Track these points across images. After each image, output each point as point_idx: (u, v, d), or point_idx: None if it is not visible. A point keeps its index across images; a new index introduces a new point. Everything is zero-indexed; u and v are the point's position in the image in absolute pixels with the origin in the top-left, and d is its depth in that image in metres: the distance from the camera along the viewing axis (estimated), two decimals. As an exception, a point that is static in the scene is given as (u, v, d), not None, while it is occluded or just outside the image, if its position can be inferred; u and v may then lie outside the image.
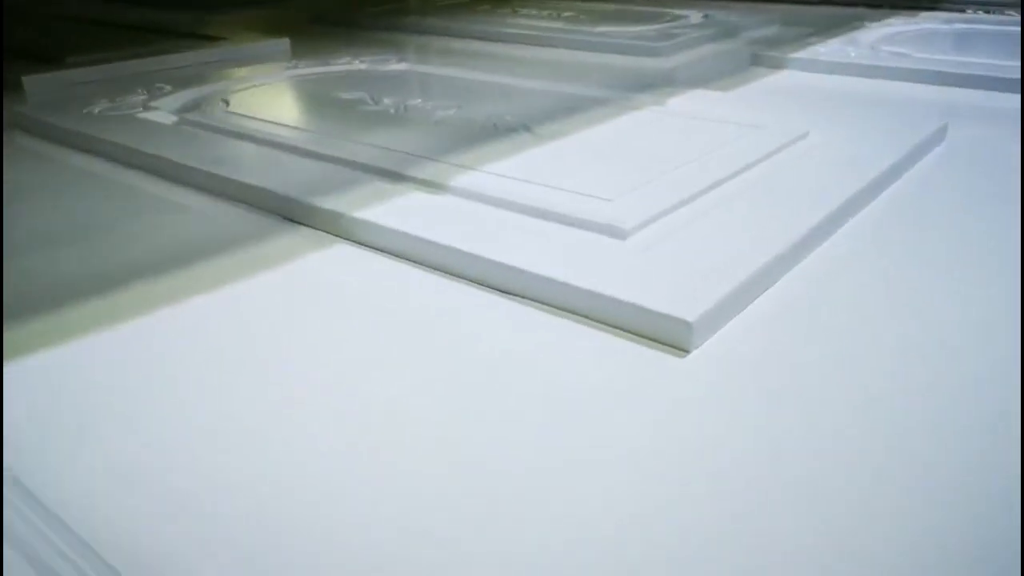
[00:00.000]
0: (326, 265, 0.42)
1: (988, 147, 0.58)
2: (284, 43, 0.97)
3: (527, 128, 0.58)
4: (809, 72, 0.83)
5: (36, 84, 0.78)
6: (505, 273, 0.38)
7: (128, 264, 0.42)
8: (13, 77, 0.78)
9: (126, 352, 0.34)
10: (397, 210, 0.44)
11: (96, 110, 0.64)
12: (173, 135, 0.58)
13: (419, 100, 0.66)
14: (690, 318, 0.31)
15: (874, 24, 1.05)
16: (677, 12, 1.15)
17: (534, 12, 1.18)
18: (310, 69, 0.80)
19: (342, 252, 0.43)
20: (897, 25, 1.05)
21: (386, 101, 0.66)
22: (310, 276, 0.41)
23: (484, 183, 0.47)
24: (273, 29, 1.13)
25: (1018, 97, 0.70)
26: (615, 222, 0.41)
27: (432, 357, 0.33)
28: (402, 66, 0.81)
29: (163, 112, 0.64)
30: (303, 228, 0.46)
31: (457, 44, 1.02)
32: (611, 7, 1.23)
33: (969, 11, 1.13)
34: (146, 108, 0.64)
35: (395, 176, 0.49)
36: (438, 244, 0.40)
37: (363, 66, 0.81)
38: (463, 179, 0.47)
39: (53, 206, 0.50)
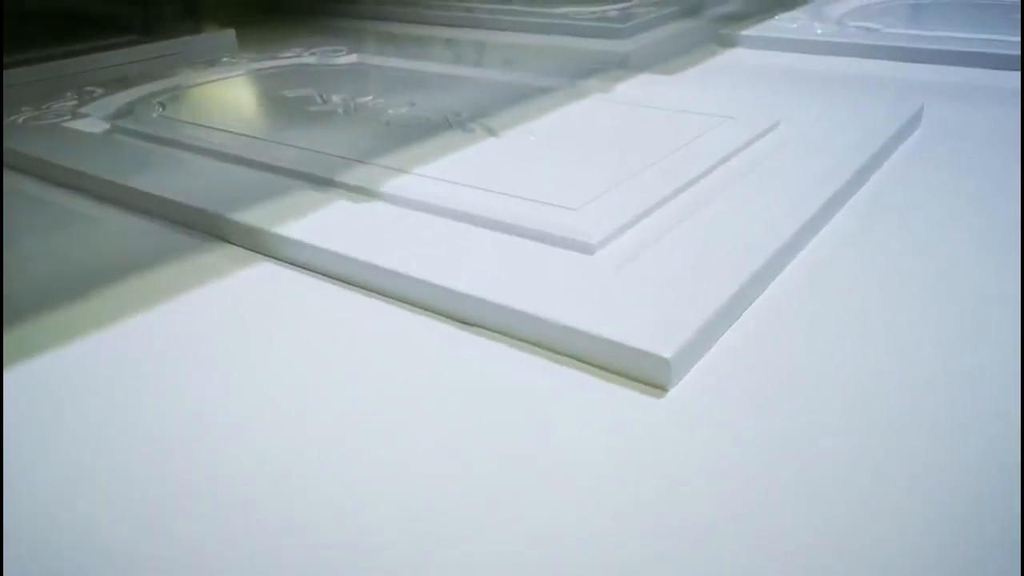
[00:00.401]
0: (239, 289, 0.38)
1: (967, 129, 0.56)
2: (229, 35, 0.92)
3: (483, 125, 0.55)
4: (775, 51, 0.80)
5: (-42, 89, 0.72)
6: (453, 299, 0.35)
7: (29, 290, 0.38)
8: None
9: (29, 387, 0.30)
10: (329, 223, 0.41)
11: (20, 119, 0.59)
12: (102, 146, 0.54)
13: (370, 97, 0.63)
14: (667, 354, 0.28)
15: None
16: None
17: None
18: (255, 64, 0.75)
19: (262, 273, 0.40)
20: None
21: (335, 99, 0.62)
22: (216, 303, 0.37)
23: (433, 191, 0.43)
24: (219, 18, 1.08)
25: (995, 73, 0.67)
26: (581, 236, 0.38)
27: (369, 397, 0.30)
28: (353, 58, 0.77)
29: (93, 119, 0.59)
30: (225, 245, 0.42)
31: (413, 30, 0.98)
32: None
33: None
34: (75, 115, 0.60)
35: (332, 184, 0.46)
36: (375, 266, 0.37)
37: (312, 59, 0.77)
38: (409, 185, 0.44)
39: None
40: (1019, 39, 0.70)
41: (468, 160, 0.48)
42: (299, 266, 0.40)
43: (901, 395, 0.28)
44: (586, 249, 0.37)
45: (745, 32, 0.83)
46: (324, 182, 0.46)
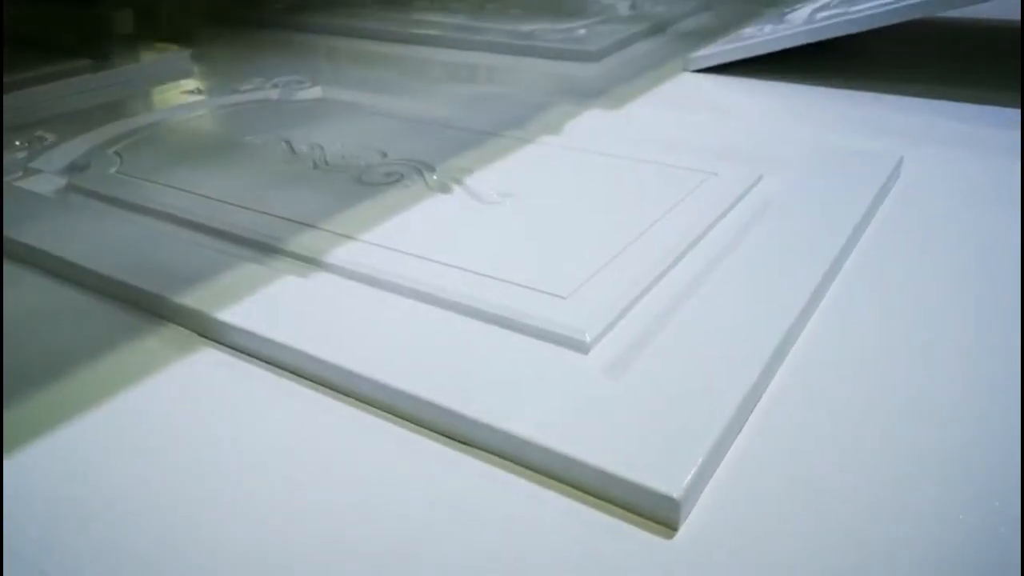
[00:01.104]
0: (179, 382, 0.36)
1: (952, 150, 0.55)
2: (184, 56, 0.88)
3: (458, 180, 0.53)
4: (741, 77, 0.79)
5: None
6: (424, 407, 0.33)
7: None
8: None
9: None
10: (283, 306, 0.39)
11: (-33, 176, 0.56)
12: (55, 212, 0.51)
13: (339, 144, 0.60)
14: (676, 493, 0.27)
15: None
16: (604, 1, 1.10)
17: (447, 5, 1.11)
18: (216, 99, 0.72)
19: (207, 362, 0.38)
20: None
21: (303, 148, 0.60)
22: (154, 398, 0.35)
23: (406, 268, 0.41)
24: (167, 31, 1.04)
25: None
26: (575, 332, 0.36)
27: (323, 514, 0.28)
28: (317, 92, 0.74)
29: (47, 175, 0.56)
30: (175, 328, 0.40)
31: (372, 48, 0.96)
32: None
33: None
34: (27, 172, 0.57)
35: (291, 256, 0.44)
36: (329, 363, 0.35)
37: (275, 93, 0.74)
38: (379, 260, 0.42)
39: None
40: None
41: (444, 227, 0.47)
42: (247, 353, 0.38)
43: (928, 484, 0.28)
44: (580, 347, 0.36)
45: (710, 51, 0.82)
46: (284, 254, 0.44)
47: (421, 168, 0.55)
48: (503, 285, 0.40)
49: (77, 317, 0.42)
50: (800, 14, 0.89)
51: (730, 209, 0.48)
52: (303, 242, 0.45)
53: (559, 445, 0.30)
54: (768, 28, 0.85)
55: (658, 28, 0.99)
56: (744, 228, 0.46)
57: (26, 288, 0.44)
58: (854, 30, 0.73)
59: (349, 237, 0.45)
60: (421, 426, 0.33)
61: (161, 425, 0.34)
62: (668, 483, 0.27)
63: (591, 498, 0.29)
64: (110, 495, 0.30)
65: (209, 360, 0.38)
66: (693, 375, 0.33)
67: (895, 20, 0.71)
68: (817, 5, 0.90)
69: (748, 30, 0.89)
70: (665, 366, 0.34)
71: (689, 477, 0.28)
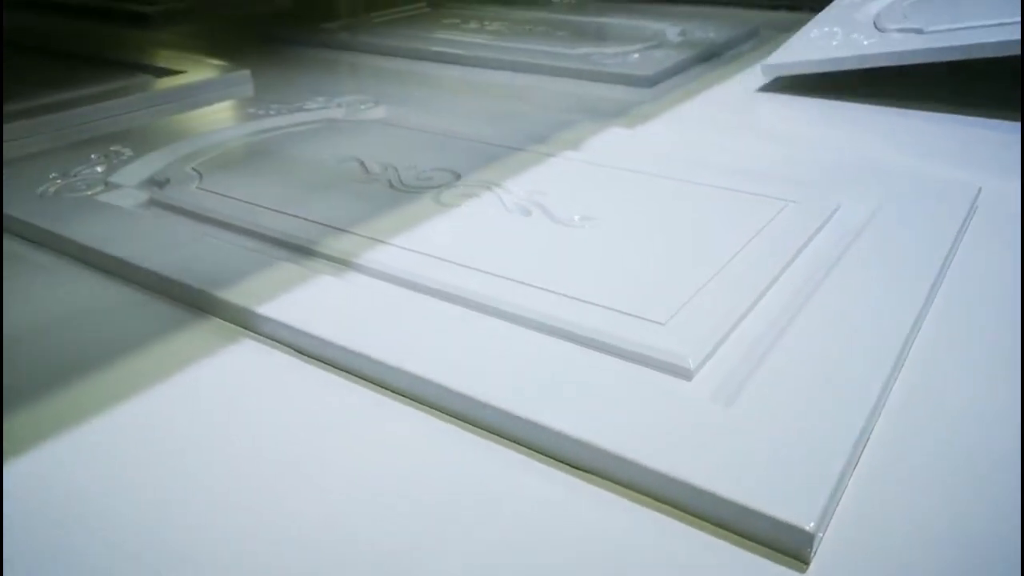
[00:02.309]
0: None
1: None
2: (245, 76, 0.90)
3: (539, 204, 0.53)
4: (804, 97, 0.79)
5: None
6: (522, 427, 0.33)
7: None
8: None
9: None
10: (373, 322, 0.39)
11: (51, 189, 0.57)
12: (142, 225, 0.51)
13: (411, 164, 0.61)
14: (808, 524, 0.27)
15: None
16: (653, 26, 1.11)
17: (496, 27, 1.13)
18: (283, 118, 0.73)
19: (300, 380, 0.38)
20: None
21: (376, 168, 0.60)
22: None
23: (505, 293, 0.42)
24: (221, 51, 1.05)
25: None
26: (676, 357, 0.36)
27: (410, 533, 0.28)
28: (381, 112, 0.75)
29: (128, 190, 0.57)
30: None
31: (423, 69, 0.97)
32: (580, 19, 1.18)
33: None
34: (108, 186, 0.57)
35: (388, 278, 0.44)
36: (421, 378, 0.35)
37: (340, 112, 0.75)
38: (470, 283, 0.43)
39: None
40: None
41: (529, 251, 0.47)
42: (355, 374, 0.38)
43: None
44: (684, 374, 0.36)
45: (789, 59, 0.82)
46: (364, 270, 0.45)
47: (497, 189, 0.56)
48: (597, 309, 0.40)
49: (164, 323, 0.42)
50: (866, 12, 0.88)
51: (813, 237, 0.48)
52: (385, 260, 0.45)
53: (682, 475, 0.30)
54: (838, 32, 0.85)
55: (712, 53, 0.99)
56: (831, 256, 0.46)
57: (114, 296, 0.45)
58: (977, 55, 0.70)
59: (434, 257, 0.46)
60: (516, 442, 0.33)
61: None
62: (799, 514, 0.27)
63: (716, 528, 0.29)
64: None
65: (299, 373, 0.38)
66: (807, 401, 0.33)
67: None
68: (883, 4, 0.90)
69: (815, 32, 0.88)
70: (776, 393, 0.34)
71: (820, 507, 0.28)
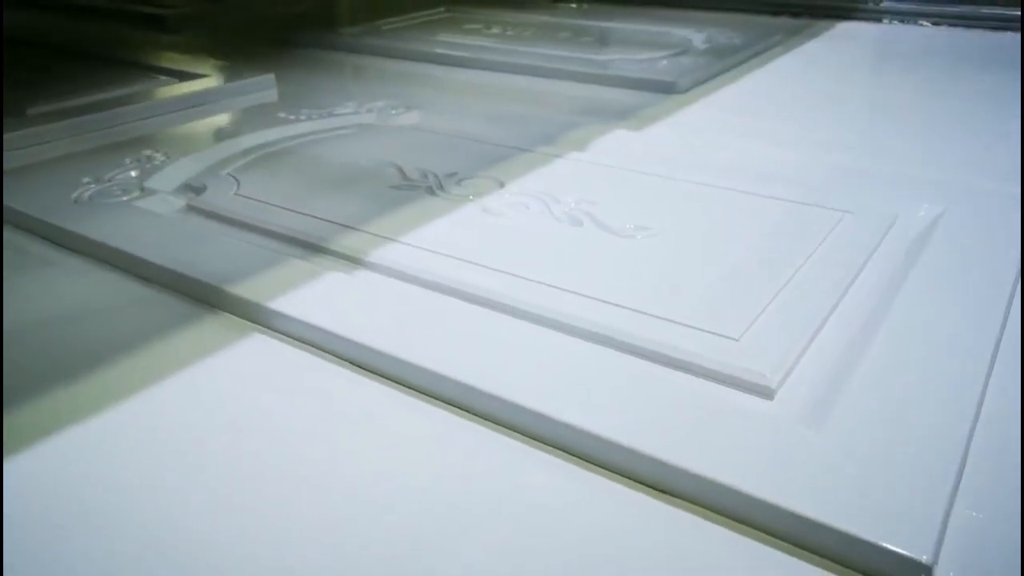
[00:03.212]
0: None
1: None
2: (269, 80, 0.88)
3: (589, 215, 0.52)
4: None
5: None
6: (597, 445, 0.32)
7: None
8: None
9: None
10: (449, 340, 0.38)
11: (86, 195, 0.55)
12: (182, 233, 0.50)
13: (451, 170, 0.60)
14: (925, 557, 0.26)
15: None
16: (677, 32, 1.10)
17: (519, 33, 1.12)
18: (314, 123, 0.72)
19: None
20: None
21: (414, 174, 0.59)
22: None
23: (566, 306, 0.40)
24: (240, 54, 1.04)
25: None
26: (755, 375, 0.35)
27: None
28: (414, 117, 0.74)
29: (163, 196, 0.56)
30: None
31: (454, 75, 0.95)
32: (602, 24, 1.17)
33: (885, 21, 1.22)
34: (143, 191, 0.56)
35: (447, 290, 0.43)
36: (502, 399, 0.34)
37: (371, 117, 0.74)
38: (539, 299, 0.41)
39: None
40: None
41: (586, 261, 0.46)
42: (419, 391, 0.37)
43: None
44: (765, 393, 0.35)
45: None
46: (437, 287, 0.43)
47: (544, 197, 0.54)
48: (666, 324, 0.39)
49: (221, 335, 0.41)
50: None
51: (876, 248, 0.47)
52: (442, 272, 0.44)
53: (780, 501, 0.28)
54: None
55: (740, 60, 0.98)
56: (899, 267, 0.44)
57: (156, 309, 0.44)
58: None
59: (492, 269, 0.44)
60: (586, 459, 0.32)
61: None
62: (914, 545, 0.26)
63: (815, 557, 0.28)
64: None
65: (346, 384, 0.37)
66: (901, 418, 0.32)
67: None
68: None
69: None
70: (867, 411, 0.32)
71: (934, 537, 0.26)
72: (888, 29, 1.20)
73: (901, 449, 0.30)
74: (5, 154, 0.68)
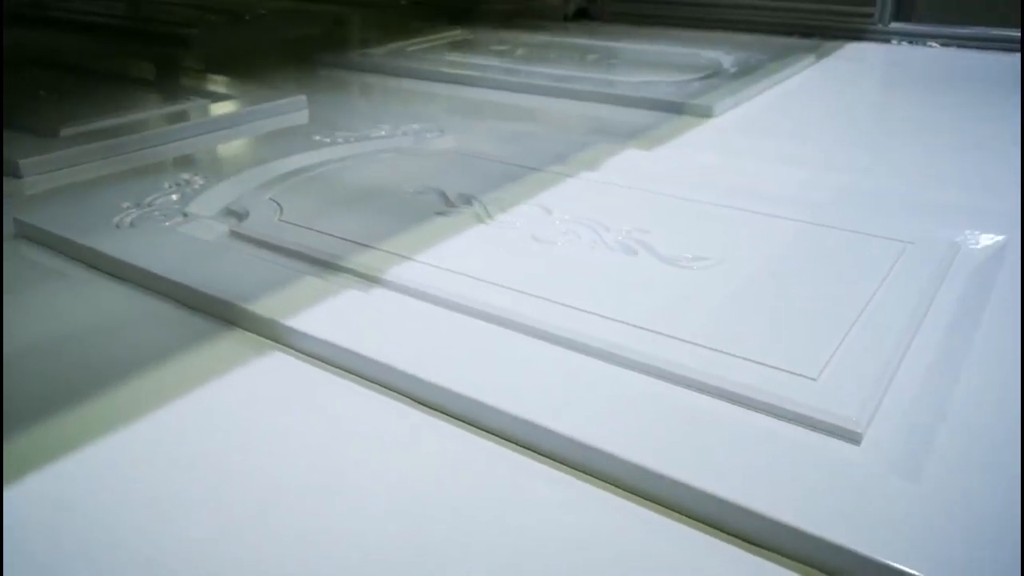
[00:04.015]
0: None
1: None
2: (300, 101, 0.88)
3: (644, 243, 0.51)
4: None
5: (35, 169, 0.68)
6: (674, 489, 0.30)
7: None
8: None
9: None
10: (512, 377, 0.36)
11: (127, 219, 0.54)
12: (228, 260, 0.49)
13: (495, 196, 0.58)
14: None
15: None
16: (706, 53, 1.09)
17: (545, 55, 1.11)
18: (350, 146, 0.71)
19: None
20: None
21: (458, 200, 0.58)
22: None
23: (633, 342, 0.39)
24: (265, 75, 1.04)
25: None
26: (840, 419, 0.34)
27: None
28: (449, 140, 0.73)
29: (206, 222, 0.55)
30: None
31: (485, 97, 0.94)
32: (625, 46, 1.16)
33: (894, 42, 1.22)
34: (185, 216, 0.55)
35: (516, 327, 0.41)
36: (566, 437, 0.32)
37: (407, 141, 0.73)
38: (596, 330, 0.40)
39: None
40: None
41: (646, 293, 0.45)
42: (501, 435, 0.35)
43: None
44: (851, 438, 0.33)
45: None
46: (499, 321, 0.42)
47: (594, 225, 0.53)
48: (738, 361, 0.38)
49: (301, 381, 0.40)
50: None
51: (943, 280, 0.46)
52: (503, 304, 0.43)
53: (890, 559, 0.27)
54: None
55: (772, 83, 0.97)
56: (970, 300, 0.43)
57: (206, 337, 0.42)
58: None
59: (549, 300, 0.43)
60: (655, 501, 0.30)
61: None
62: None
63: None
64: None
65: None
66: (1000, 468, 0.30)
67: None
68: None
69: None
70: (962, 460, 0.31)
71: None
72: (898, 50, 1.20)
73: (1006, 497, 0.29)
74: (39, 176, 0.67)
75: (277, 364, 0.41)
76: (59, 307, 0.46)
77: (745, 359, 0.38)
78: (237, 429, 0.36)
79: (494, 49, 1.15)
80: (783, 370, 0.37)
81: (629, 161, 0.68)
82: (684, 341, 0.39)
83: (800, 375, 0.37)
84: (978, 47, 1.18)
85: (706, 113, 0.84)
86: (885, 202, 0.58)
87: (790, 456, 0.32)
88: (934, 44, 1.20)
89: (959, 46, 1.19)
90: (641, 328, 0.40)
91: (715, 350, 0.39)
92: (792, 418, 0.35)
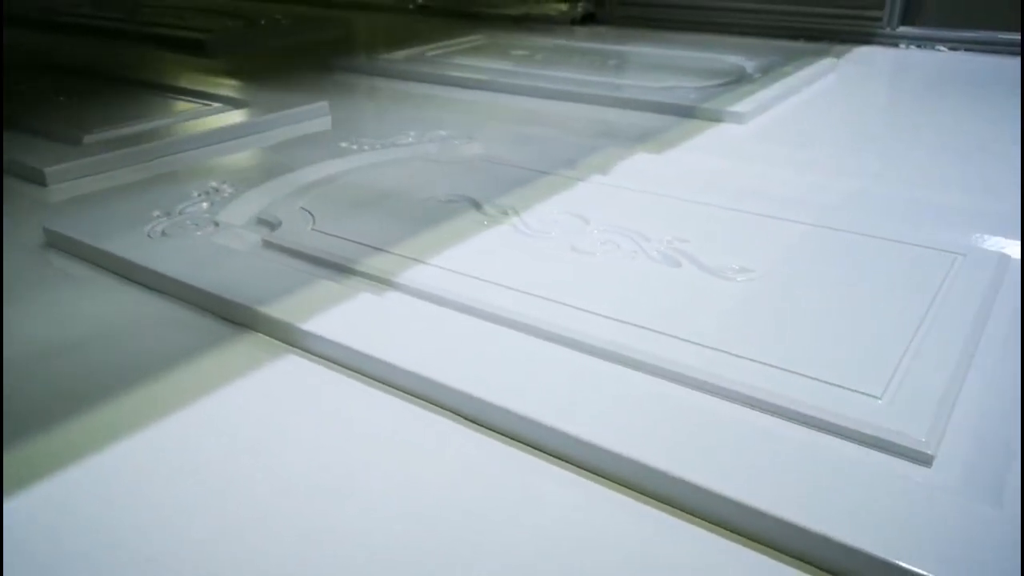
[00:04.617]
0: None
1: None
2: (323, 107, 0.87)
3: (685, 254, 0.50)
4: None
5: (60, 177, 0.67)
6: (744, 514, 0.29)
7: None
8: (18, 156, 0.67)
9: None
10: (565, 396, 0.35)
11: (158, 228, 0.53)
12: (269, 273, 0.48)
13: (528, 205, 0.57)
14: None
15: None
16: (728, 59, 1.08)
17: (564, 59, 1.10)
18: (377, 153, 0.70)
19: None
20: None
21: (492, 210, 0.57)
22: None
23: (691, 359, 0.38)
24: (282, 80, 1.03)
25: None
26: (910, 441, 0.33)
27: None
28: (477, 148, 0.72)
29: (238, 231, 0.54)
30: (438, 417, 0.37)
31: (508, 103, 0.93)
32: (644, 50, 1.15)
33: (902, 46, 1.21)
34: (217, 225, 0.54)
35: (566, 342, 0.40)
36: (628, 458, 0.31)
37: (434, 148, 0.72)
38: (652, 346, 0.39)
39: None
40: None
41: (703, 310, 0.43)
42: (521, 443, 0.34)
43: None
44: (921, 459, 0.32)
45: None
46: (549, 336, 0.41)
47: (634, 235, 0.52)
48: (800, 379, 0.37)
49: (348, 397, 0.39)
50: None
51: (997, 294, 0.45)
52: (548, 319, 0.42)
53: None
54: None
55: (793, 89, 0.96)
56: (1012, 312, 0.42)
57: (281, 367, 0.41)
58: None
59: (597, 315, 0.42)
60: (722, 526, 0.29)
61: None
62: None
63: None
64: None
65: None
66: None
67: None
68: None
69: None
70: (1041, 487, 0.30)
71: None
72: (906, 54, 1.19)
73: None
74: (63, 184, 0.67)
75: (325, 380, 0.40)
76: (89, 314, 0.46)
77: (804, 376, 0.37)
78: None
79: (514, 54, 1.14)
80: (847, 388, 0.36)
81: (666, 169, 0.67)
82: (738, 357, 0.38)
83: (865, 394, 0.36)
84: (987, 51, 1.17)
85: (738, 120, 0.83)
86: (932, 211, 0.57)
87: (863, 479, 0.31)
88: (942, 48, 1.20)
89: (967, 50, 1.18)
90: (692, 343, 0.39)
91: (771, 366, 0.38)
92: (860, 439, 0.34)
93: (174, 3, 1.63)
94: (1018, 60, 1.11)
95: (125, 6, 1.58)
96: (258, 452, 0.34)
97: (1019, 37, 1.14)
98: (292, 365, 0.41)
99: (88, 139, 0.73)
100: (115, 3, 1.59)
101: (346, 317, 0.42)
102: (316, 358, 0.41)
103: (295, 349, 0.42)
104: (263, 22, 1.40)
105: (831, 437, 0.34)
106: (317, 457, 0.34)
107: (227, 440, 0.35)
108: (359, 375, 0.40)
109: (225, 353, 0.42)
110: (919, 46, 1.21)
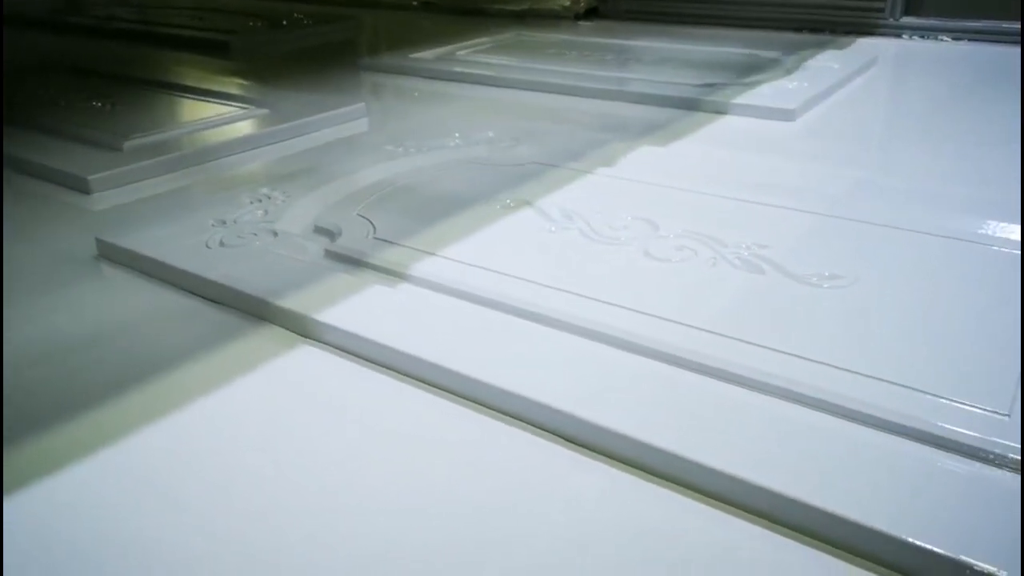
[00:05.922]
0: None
1: None
2: (360, 109, 0.85)
3: (761, 257, 0.48)
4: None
5: (104, 185, 0.65)
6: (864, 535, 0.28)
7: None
8: (60, 164, 0.65)
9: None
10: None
11: (216, 239, 0.52)
12: (341, 286, 0.46)
13: (592, 209, 0.56)
14: None
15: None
16: (764, 55, 1.06)
17: (600, 57, 1.08)
18: (424, 156, 0.68)
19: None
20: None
21: (556, 214, 0.55)
22: None
23: (793, 372, 0.37)
24: (316, 82, 1.01)
25: None
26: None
27: None
28: (526, 150, 0.70)
29: (298, 241, 0.52)
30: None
31: (550, 103, 0.91)
32: (682, 47, 1.13)
33: (905, 37, 1.21)
34: (275, 235, 0.52)
35: (682, 363, 0.38)
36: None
37: (483, 151, 0.70)
38: (773, 366, 0.37)
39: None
40: None
41: (800, 321, 0.41)
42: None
43: None
44: (1065, 482, 0.30)
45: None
46: (642, 351, 0.39)
47: (710, 241, 0.50)
48: (918, 395, 0.35)
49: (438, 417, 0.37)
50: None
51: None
52: (645, 333, 0.40)
53: None
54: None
55: (837, 85, 0.94)
56: None
57: (377, 387, 0.40)
58: None
59: (693, 327, 0.40)
60: (833, 544, 0.28)
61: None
62: None
63: None
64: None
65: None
66: None
67: None
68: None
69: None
70: None
71: None
72: (911, 45, 1.18)
73: None
74: (107, 192, 0.65)
75: (429, 404, 0.38)
76: (158, 330, 0.44)
77: (924, 392, 0.35)
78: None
79: (548, 52, 1.12)
80: (974, 407, 0.34)
81: (732, 172, 0.65)
82: (849, 371, 0.37)
83: (990, 411, 0.34)
84: (991, 40, 1.16)
85: (788, 117, 0.81)
86: (996, 212, 0.55)
87: (1000, 503, 0.29)
88: (945, 38, 1.18)
89: (971, 40, 1.17)
90: (797, 356, 0.38)
91: (885, 381, 0.36)
92: (993, 460, 0.32)
93: (185, 3, 1.62)
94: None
95: (148, 8, 1.56)
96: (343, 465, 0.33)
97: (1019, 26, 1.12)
98: (391, 389, 0.39)
99: (128, 145, 0.72)
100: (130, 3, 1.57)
101: (440, 336, 0.40)
102: (413, 381, 0.39)
103: (391, 371, 0.40)
104: (285, 23, 1.39)
105: (959, 458, 0.32)
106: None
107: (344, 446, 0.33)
108: (479, 405, 0.38)
109: (307, 373, 0.40)
110: (923, 36, 1.20)
